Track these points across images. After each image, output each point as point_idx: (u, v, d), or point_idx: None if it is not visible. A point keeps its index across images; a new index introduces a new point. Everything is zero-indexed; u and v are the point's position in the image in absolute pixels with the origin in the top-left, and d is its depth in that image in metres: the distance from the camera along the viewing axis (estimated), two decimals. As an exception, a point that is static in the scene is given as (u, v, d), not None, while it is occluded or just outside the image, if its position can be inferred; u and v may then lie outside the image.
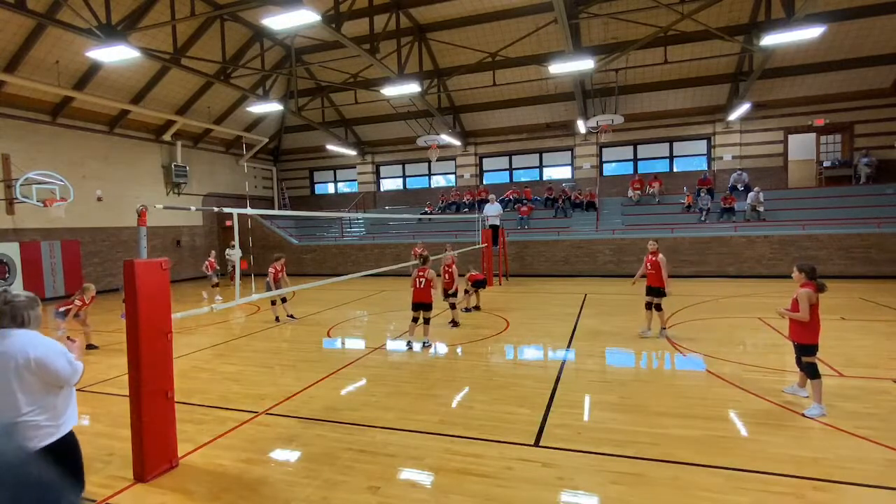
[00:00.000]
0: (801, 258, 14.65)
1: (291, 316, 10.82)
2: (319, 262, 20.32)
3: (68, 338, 2.69)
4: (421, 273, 7.90)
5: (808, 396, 5.11)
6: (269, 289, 10.29)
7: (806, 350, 5.00)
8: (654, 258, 8.00)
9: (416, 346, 7.89)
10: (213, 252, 15.21)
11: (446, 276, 9.68)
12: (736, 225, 16.11)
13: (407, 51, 15.52)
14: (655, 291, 8.01)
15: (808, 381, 5.02)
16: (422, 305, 7.93)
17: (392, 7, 14.62)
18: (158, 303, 4.10)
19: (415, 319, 8.03)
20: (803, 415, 4.81)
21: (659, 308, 8.08)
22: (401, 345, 7.98)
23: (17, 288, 14.19)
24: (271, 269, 10.52)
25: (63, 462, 2.65)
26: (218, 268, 14.80)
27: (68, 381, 2.68)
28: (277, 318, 10.60)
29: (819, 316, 4.99)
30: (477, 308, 11.07)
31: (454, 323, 9.35)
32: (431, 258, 10.68)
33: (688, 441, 4.33)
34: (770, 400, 5.20)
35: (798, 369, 5.23)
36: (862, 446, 4.14)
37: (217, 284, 14.24)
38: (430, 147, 19.06)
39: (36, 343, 2.58)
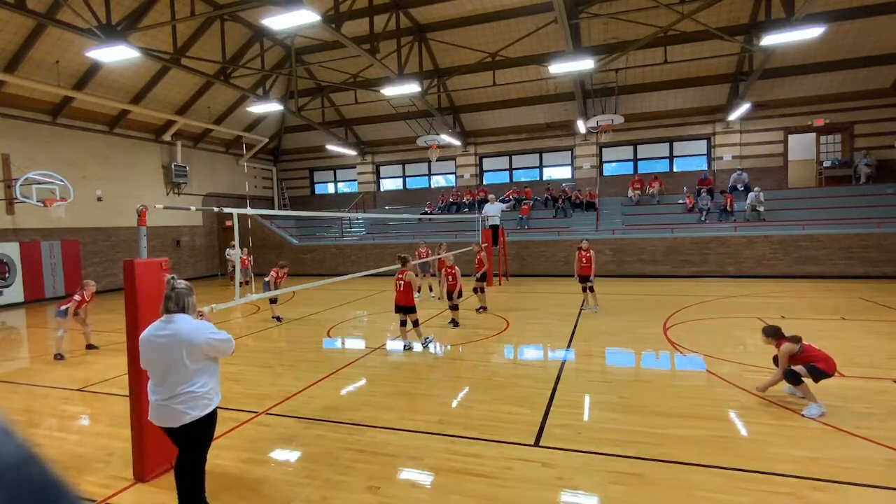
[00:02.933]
0: (801, 258, 14.69)
1: (278, 318, 10.71)
2: (319, 262, 20.32)
3: (199, 312, 3.21)
4: (400, 276, 7.84)
5: (809, 408, 5.06)
6: (266, 289, 10.29)
7: (810, 369, 4.93)
8: (587, 254, 10.31)
9: (417, 347, 7.89)
10: (245, 250, 15.56)
11: (449, 277, 9.60)
12: (736, 225, 16.11)
13: (407, 51, 15.52)
14: (587, 279, 10.35)
15: (795, 384, 5.00)
16: (403, 308, 7.86)
17: (392, 7, 14.62)
18: (158, 303, 4.08)
19: (403, 323, 7.95)
20: (803, 415, 4.79)
21: (591, 289, 10.47)
22: (401, 345, 7.97)
23: (19, 288, 14.21)
24: (273, 272, 10.49)
25: (209, 429, 3.25)
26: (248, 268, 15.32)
27: (228, 353, 3.24)
28: (279, 318, 10.62)
29: (821, 353, 5.01)
30: (484, 308, 10.85)
31: (454, 323, 9.34)
32: (431, 258, 10.66)
33: (688, 441, 4.33)
34: (770, 400, 5.20)
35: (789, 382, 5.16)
36: (862, 446, 4.14)
37: (248, 282, 14.62)
38: (430, 147, 19.06)
39: (199, 328, 3.12)
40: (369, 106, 20.76)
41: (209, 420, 3.22)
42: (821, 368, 4.92)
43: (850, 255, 14.46)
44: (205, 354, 3.11)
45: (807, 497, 3.43)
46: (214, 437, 4.67)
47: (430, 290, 13.53)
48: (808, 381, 4.98)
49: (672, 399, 5.35)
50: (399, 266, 7.95)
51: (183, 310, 3.16)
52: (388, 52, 15.02)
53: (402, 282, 7.81)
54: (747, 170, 18.31)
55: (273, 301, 10.74)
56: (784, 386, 5.52)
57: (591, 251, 10.39)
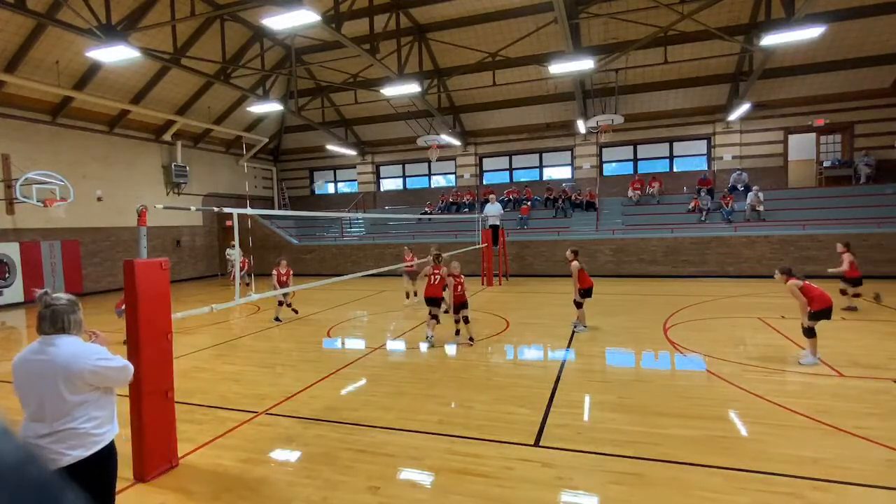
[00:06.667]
0: (801, 258, 14.68)
1: (290, 311, 10.88)
2: (319, 262, 20.32)
3: (94, 333, 2.62)
4: (436, 271, 8.26)
5: (817, 363, 6.17)
6: (274, 288, 10.35)
7: (811, 315, 6.19)
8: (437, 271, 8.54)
9: (423, 347, 7.89)
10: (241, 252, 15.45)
11: (458, 287, 8.05)
12: (736, 225, 16.11)
13: (407, 51, 15.52)
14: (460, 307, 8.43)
15: (806, 338, 6.30)
16: (434, 301, 8.15)
17: (392, 7, 14.62)
18: (158, 303, 4.09)
19: (432, 315, 8.18)
20: (799, 363, 6.18)
21: (578, 306, 8.84)
22: (401, 345, 7.98)
23: (19, 288, 14.20)
24: (274, 273, 10.68)
25: (105, 473, 2.58)
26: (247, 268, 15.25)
27: (123, 382, 2.66)
28: (278, 318, 10.63)
29: (816, 291, 6.23)
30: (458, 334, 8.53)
31: (470, 339, 8.07)
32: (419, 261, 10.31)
33: (688, 441, 4.33)
34: (770, 400, 5.20)
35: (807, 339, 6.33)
36: (862, 446, 4.14)
37: (248, 284, 14.69)
38: (430, 147, 19.06)
39: (81, 352, 2.48)
40: (369, 106, 20.76)
41: (101, 461, 2.52)
42: (815, 310, 6.16)
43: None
44: (89, 384, 2.48)
45: (807, 497, 3.42)
46: (212, 438, 4.72)
47: (416, 294, 12.32)
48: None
49: (672, 399, 5.35)
50: (433, 262, 8.36)
51: (63, 330, 2.50)
52: (388, 52, 15.02)
53: (437, 276, 8.16)
54: (747, 170, 18.31)
55: (280, 303, 10.81)
56: (798, 359, 6.43)
57: (574, 262, 8.70)
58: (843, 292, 9.79)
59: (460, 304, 8.08)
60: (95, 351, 2.54)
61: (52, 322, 2.48)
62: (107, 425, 2.58)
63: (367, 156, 23.94)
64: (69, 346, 2.48)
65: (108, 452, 2.57)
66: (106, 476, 2.60)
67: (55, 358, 2.43)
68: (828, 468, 3.78)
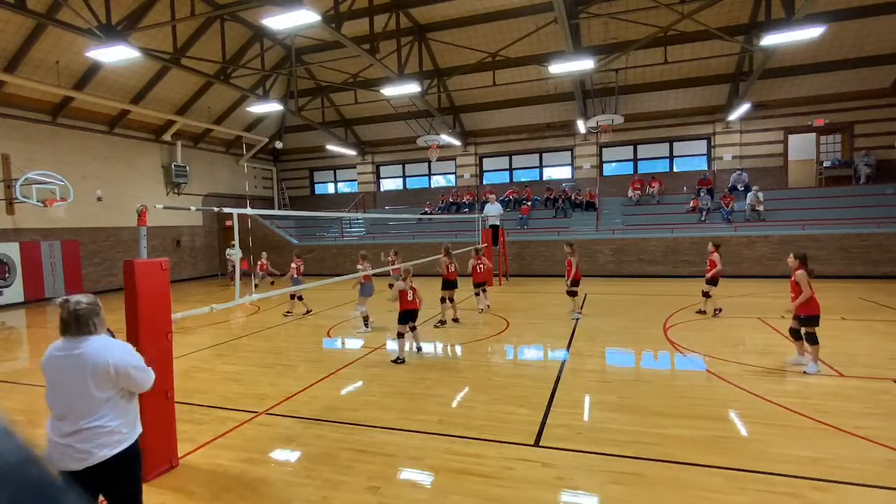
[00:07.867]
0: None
1: (299, 305, 11.35)
2: (319, 261, 20.31)
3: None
4: (480, 260, 10.62)
5: (809, 366, 5.99)
6: (294, 283, 10.72)
7: (811, 321, 6.01)
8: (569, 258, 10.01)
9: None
10: (265, 254, 14.99)
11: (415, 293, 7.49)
12: (736, 225, 16.11)
13: (407, 51, 15.52)
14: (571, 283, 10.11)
15: (809, 346, 6.03)
16: (482, 285, 10.72)
17: (392, 7, 14.62)
18: (158, 303, 4.09)
19: (476, 294, 10.75)
20: (804, 371, 5.94)
21: (572, 294, 10.19)
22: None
23: (19, 288, 14.20)
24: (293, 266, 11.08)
25: (129, 472, 2.60)
26: (272, 271, 14.76)
27: (143, 386, 2.65)
28: (289, 313, 11.10)
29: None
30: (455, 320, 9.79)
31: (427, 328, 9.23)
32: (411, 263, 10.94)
33: (688, 441, 4.33)
34: (770, 400, 5.20)
35: (794, 339, 6.35)
36: (862, 446, 4.14)
37: (257, 286, 14.80)
38: (430, 147, 19.06)
39: (112, 348, 2.54)
40: (369, 106, 20.75)
41: (127, 460, 2.54)
42: (808, 314, 6.02)
43: (850, 255, 14.45)
44: (114, 382, 2.50)
45: (807, 497, 3.42)
46: (212, 438, 4.72)
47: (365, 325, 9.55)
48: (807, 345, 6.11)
49: (672, 399, 5.35)
50: (476, 254, 10.75)
51: (89, 333, 2.52)
52: (388, 52, 15.03)
53: (482, 265, 10.59)
54: (747, 170, 18.31)
55: (291, 297, 11.14)
56: (787, 358, 6.48)
57: (573, 255, 9.96)
58: (707, 294, 9.75)
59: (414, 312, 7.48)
60: (124, 347, 2.61)
61: (78, 327, 2.51)
62: (131, 424, 2.62)
63: (367, 156, 23.94)
64: (98, 341, 2.53)
65: (134, 452, 2.61)
66: (131, 476, 2.62)
67: (84, 353, 2.47)
68: (828, 468, 3.78)
